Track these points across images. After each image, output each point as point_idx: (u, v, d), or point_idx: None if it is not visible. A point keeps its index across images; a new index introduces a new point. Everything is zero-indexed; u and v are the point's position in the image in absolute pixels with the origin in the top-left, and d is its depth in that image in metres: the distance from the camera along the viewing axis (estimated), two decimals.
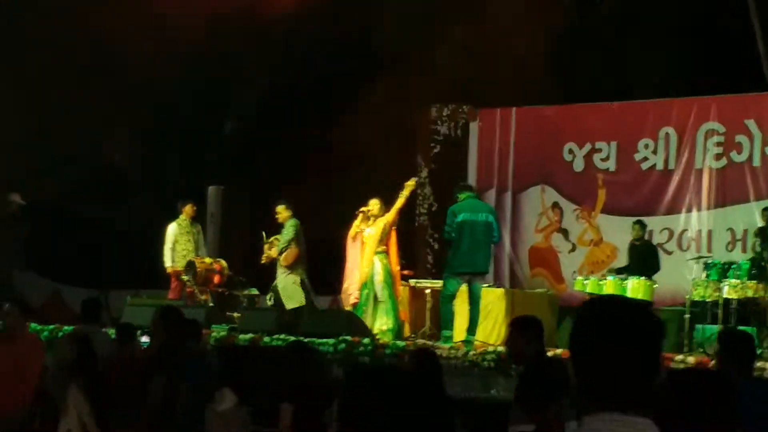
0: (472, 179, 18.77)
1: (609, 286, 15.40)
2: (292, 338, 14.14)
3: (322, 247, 17.16)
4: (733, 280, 14.80)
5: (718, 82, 17.85)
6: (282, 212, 16.69)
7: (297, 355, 8.86)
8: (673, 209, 17.70)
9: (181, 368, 9.36)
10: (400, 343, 14.29)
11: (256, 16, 21.15)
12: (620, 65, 19.08)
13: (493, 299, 16.34)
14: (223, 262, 17.77)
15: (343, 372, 12.99)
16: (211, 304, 17.26)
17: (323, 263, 16.99)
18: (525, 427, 6.42)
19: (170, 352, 9.59)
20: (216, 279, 17.61)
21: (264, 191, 19.14)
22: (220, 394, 8.77)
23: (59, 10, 18.70)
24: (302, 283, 16.53)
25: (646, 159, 18.09)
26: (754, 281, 14.73)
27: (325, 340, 14.23)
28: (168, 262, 17.62)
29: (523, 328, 7.52)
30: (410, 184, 16.32)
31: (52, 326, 15.92)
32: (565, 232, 18.77)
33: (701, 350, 14.21)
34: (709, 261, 15.70)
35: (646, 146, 18.08)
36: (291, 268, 16.54)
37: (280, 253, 16.52)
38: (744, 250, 16.64)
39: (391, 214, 15.80)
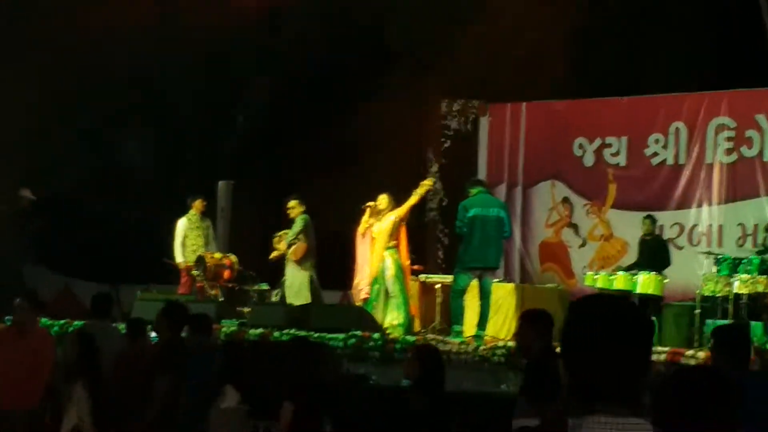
0: (482, 174, 18.78)
1: (619, 281, 15.38)
2: (302, 333, 14.15)
3: (333, 241, 17.15)
4: (744, 275, 14.78)
5: (728, 77, 17.81)
6: (296, 207, 16.70)
7: (299, 351, 8.85)
8: (683, 204, 17.68)
9: (183, 367, 9.36)
10: (411, 338, 14.29)
11: (268, 11, 21.15)
12: (631, 60, 19.04)
13: (504, 294, 16.33)
14: (233, 257, 17.78)
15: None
16: (221, 299, 17.28)
17: (333, 258, 16.98)
18: (530, 420, 6.43)
19: (173, 350, 9.59)
20: (226, 274, 17.62)
21: (274, 186, 19.14)
22: (223, 392, 8.76)
23: (67, 4, 18.71)
24: (311, 281, 16.53)
25: (656, 154, 18.07)
26: (765, 276, 14.71)
27: (335, 335, 14.25)
28: (179, 257, 17.65)
29: (533, 322, 7.51)
30: (427, 183, 16.34)
31: (62, 321, 15.96)
32: (575, 227, 18.77)
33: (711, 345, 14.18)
34: (720, 256, 15.68)
35: (657, 141, 18.06)
36: (300, 263, 16.54)
37: (289, 247, 16.52)
38: (755, 246, 16.61)
39: (403, 210, 15.77)
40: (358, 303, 15.94)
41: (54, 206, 19.59)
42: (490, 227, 15.05)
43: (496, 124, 19.53)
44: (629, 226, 17.67)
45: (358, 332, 14.29)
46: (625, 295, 15.27)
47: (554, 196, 18.92)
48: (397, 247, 15.74)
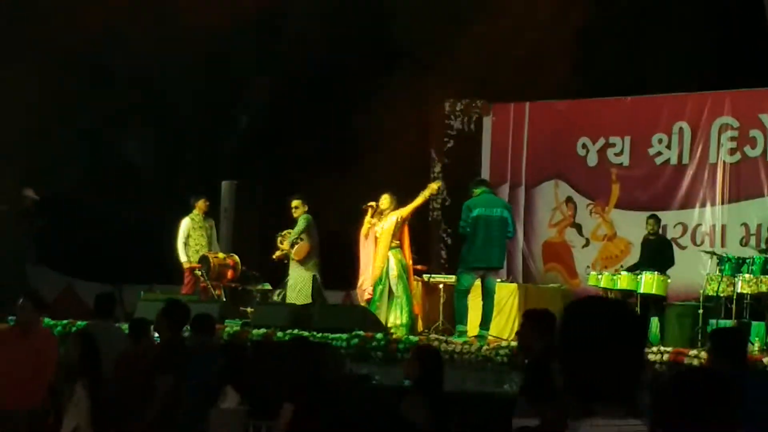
0: (485, 174, 18.77)
1: (623, 280, 15.37)
2: (305, 333, 14.14)
3: (335, 241, 17.15)
4: (747, 275, 14.76)
5: (731, 77, 17.80)
6: (299, 207, 16.70)
7: (298, 351, 8.83)
8: (686, 204, 17.67)
9: (184, 366, 9.34)
10: (414, 338, 14.29)
11: (271, 10, 21.14)
12: (634, 60, 19.02)
13: (507, 294, 16.33)
14: (237, 257, 17.78)
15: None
16: (224, 299, 17.28)
17: (336, 258, 16.98)
18: (529, 420, 6.42)
19: (174, 349, 9.57)
20: (229, 274, 17.62)
21: (277, 186, 19.13)
22: (223, 392, 8.75)
23: (67, 4, 18.71)
24: (314, 280, 16.52)
25: (659, 153, 18.06)
26: None
27: (338, 335, 14.25)
28: (183, 257, 17.64)
29: (535, 321, 7.50)
30: (433, 186, 16.35)
31: (65, 321, 15.96)
32: (578, 227, 18.75)
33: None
34: (723, 256, 15.66)
35: (660, 141, 18.05)
36: (303, 262, 16.53)
37: (292, 246, 16.51)
38: (758, 245, 16.60)
39: (406, 210, 15.74)
40: (362, 303, 15.93)
41: (56, 206, 19.59)
42: (494, 227, 15.04)
43: (500, 124, 19.52)
44: (632, 226, 17.65)
45: (361, 332, 14.29)
46: (628, 295, 15.28)
47: (557, 195, 18.90)
48: (400, 246, 15.72)
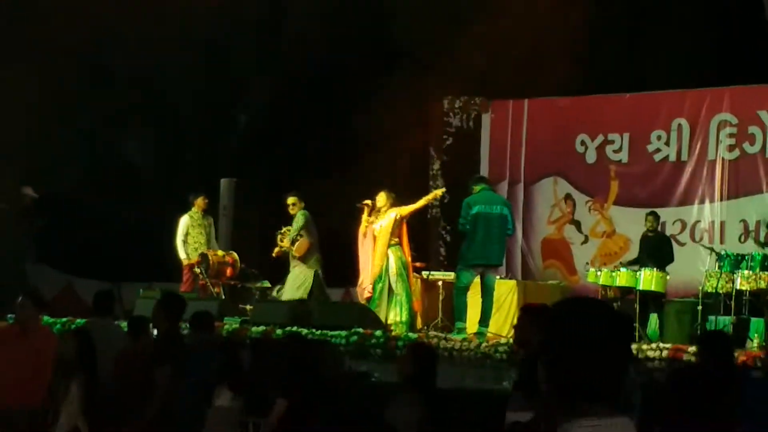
0: (484, 171, 18.77)
1: (622, 277, 15.36)
2: (304, 331, 14.16)
3: (334, 239, 17.16)
4: (746, 272, 14.77)
5: (730, 73, 17.80)
6: (297, 203, 16.69)
7: (292, 347, 8.85)
8: (685, 201, 17.68)
9: (182, 358, 9.35)
10: (413, 335, 14.30)
11: (270, 8, 21.15)
12: (633, 57, 19.04)
13: (506, 291, 16.35)
14: (236, 255, 17.79)
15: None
16: (223, 297, 17.29)
17: (336, 256, 16.99)
18: (523, 415, 6.44)
19: (171, 341, 9.58)
20: (228, 271, 17.63)
21: (277, 184, 19.14)
22: (218, 390, 8.76)
23: (67, 4, 18.71)
24: (315, 275, 16.52)
25: (658, 150, 18.07)
26: (767, 272, 14.70)
27: (337, 332, 14.26)
28: (182, 255, 17.65)
29: (533, 315, 7.51)
30: (437, 193, 16.38)
31: (64, 319, 15.97)
32: (577, 224, 18.76)
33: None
34: (722, 252, 15.67)
35: (659, 137, 18.06)
36: (304, 259, 16.52)
37: (292, 243, 16.50)
38: (757, 242, 16.60)
39: (406, 210, 15.73)
40: (362, 302, 15.93)
41: (56, 205, 19.60)
42: (494, 224, 15.03)
43: (498, 121, 19.52)
44: (631, 223, 17.66)
45: (360, 330, 14.30)
46: (627, 291, 15.29)
47: (556, 192, 18.91)
48: (399, 244, 15.72)
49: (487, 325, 14.97)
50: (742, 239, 17.05)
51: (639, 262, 15.86)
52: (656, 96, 18.38)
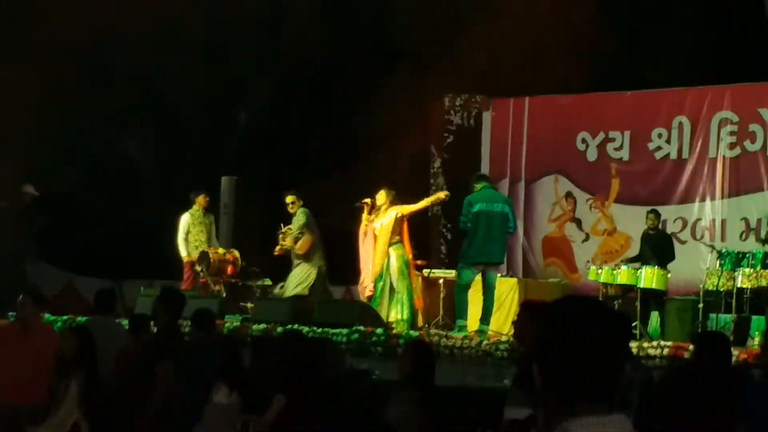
0: (485, 169, 18.76)
1: (623, 275, 15.36)
2: (305, 329, 14.16)
3: (336, 237, 17.15)
4: (747, 270, 14.77)
5: (731, 71, 17.80)
6: (296, 201, 16.67)
7: (290, 344, 8.84)
8: (686, 199, 17.67)
9: (182, 353, 9.34)
10: (414, 333, 14.30)
11: (270, 8, 21.16)
12: (634, 55, 19.03)
13: (507, 289, 16.34)
14: (236, 253, 17.77)
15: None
16: (224, 295, 17.28)
17: (336, 254, 16.98)
18: (521, 411, 6.44)
19: (171, 335, 9.57)
20: (229, 269, 17.62)
21: (277, 182, 19.14)
22: (216, 387, 8.76)
23: (67, 4, 18.72)
24: (319, 272, 16.50)
25: (659, 148, 18.06)
26: None
27: (338, 330, 14.25)
28: (183, 252, 17.65)
29: (533, 311, 7.50)
30: (441, 195, 16.35)
31: (65, 317, 15.96)
32: (578, 222, 18.76)
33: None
34: (723, 250, 15.67)
35: (660, 135, 18.05)
36: (308, 256, 16.49)
37: (295, 242, 16.47)
38: (758, 239, 16.60)
39: (407, 209, 15.70)
40: (363, 301, 15.92)
41: (57, 203, 19.60)
42: (495, 223, 15.03)
43: (499, 118, 19.52)
44: (632, 221, 17.66)
45: (361, 327, 14.29)
46: (628, 289, 15.29)
47: (557, 190, 18.91)
48: (401, 242, 15.71)
49: (488, 323, 14.96)
50: (743, 237, 17.04)
51: (640, 259, 15.85)
52: (657, 94, 18.37)
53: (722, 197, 17.37)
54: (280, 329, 14.52)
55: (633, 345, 12.79)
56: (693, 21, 18.14)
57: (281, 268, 17.13)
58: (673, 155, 17.91)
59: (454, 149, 19.51)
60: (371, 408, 8.13)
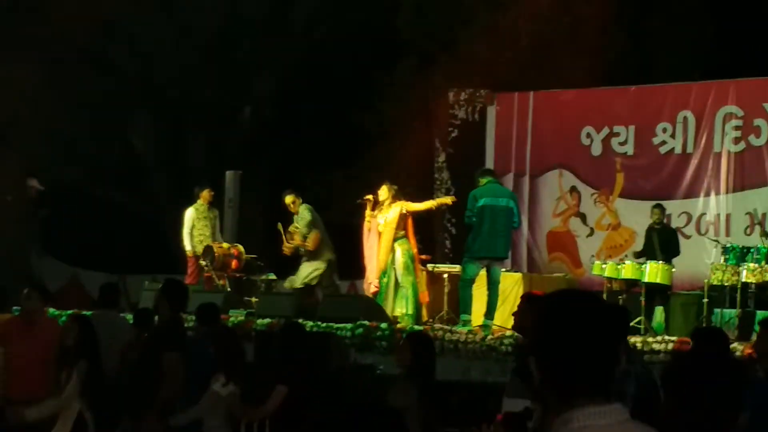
0: (489, 163, 18.74)
1: (627, 270, 15.35)
2: (310, 323, 14.16)
3: (340, 232, 17.15)
4: (752, 264, 14.73)
5: (736, 66, 17.79)
6: (296, 200, 16.62)
7: (288, 336, 8.84)
8: (691, 193, 17.65)
9: (185, 345, 9.34)
10: (419, 328, 14.29)
11: (276, 1, 21.17)
12: (639, 49, 19.03)
13: (511, 283, 16.32)
14: (241, 247, 17.77)
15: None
16: (228, 289, 17.28)
17: (341, 248, 16.98)
18: (520, 401, 6.44)
19: (176, 327, 9.57)
20: (234, 264, 17.61)
21: (282, 176, 19.17)
22: (215, 377, 8.76)
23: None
24: (328, 265, 16.44)
25: (664, 143, 18.03)
26: None
27: (342, 324, 14.26)
28: (188, 246, 17.65)
29: (534, 303, 7.49)
30: (447, 200, 16.33)
31: (70, 311, 15.96)
32: (583, 217, 18.73)
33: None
34: (728, 245, 15.65)
35: (665, 130, 18.02)
36: (318, 252, 16.41)
37: (304, 240, 16.40)
38: (762, 234, 16.57)
39: (411, 207, 15.66)
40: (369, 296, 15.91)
41: (61, 198, 19.64)
42: (500, 217, 15.00)
43: (504, 113, 19.49)
44: (637, 216, 17.63)
45: (366, 322, 14.30)
46: (632, 284, 15.29)
47: (562, 185, 18.88)
48: (406, 237, 15.70)
49: (492, 318, 14.94)
50: (748, 232, 17.01)
51: (646, 254, 15.83)
52: (662, 88, 18.35)
53: (727, 192, 17.34)
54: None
55: (638, 340, 12.79)
56: (698, 16, 18.15)
57: (286, 262, 17.13)
58: (678, 150, 17.88)
59: (459, 144, 19.49)
60: (374, 399, 8.14)
